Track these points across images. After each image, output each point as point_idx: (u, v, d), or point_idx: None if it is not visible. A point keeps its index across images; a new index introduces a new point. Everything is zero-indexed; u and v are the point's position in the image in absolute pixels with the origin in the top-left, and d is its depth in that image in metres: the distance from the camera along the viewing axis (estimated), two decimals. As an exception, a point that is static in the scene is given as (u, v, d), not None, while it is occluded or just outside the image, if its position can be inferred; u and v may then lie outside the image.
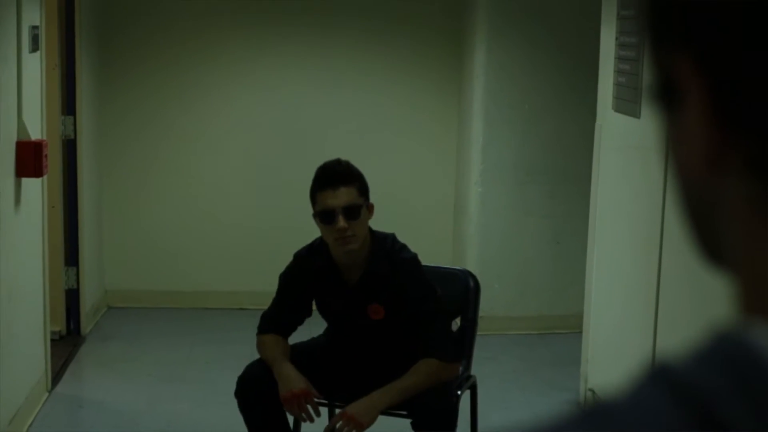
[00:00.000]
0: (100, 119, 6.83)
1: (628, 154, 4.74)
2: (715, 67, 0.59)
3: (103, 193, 6.92)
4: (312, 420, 3.77)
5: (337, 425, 3.69)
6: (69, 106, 6.17)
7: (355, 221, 3.73)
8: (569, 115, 6.41)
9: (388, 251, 3.84)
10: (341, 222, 3.70)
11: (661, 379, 0.56)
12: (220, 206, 7.02)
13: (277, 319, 3.95)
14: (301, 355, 3.91)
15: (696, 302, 3.95)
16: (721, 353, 0.56)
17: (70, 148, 6.21)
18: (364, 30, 6.92)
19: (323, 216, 3.75)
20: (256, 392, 3.83)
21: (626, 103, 4.66)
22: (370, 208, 3.84)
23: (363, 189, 3.82)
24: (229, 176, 6.99)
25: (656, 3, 0.63)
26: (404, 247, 3.89)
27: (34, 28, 5.11)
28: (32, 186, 5.10)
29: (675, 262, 4.18)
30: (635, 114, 4.53)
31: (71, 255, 6.27)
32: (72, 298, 6.30)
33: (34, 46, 5.11)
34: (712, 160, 0.60)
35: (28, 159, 4.93)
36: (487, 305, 5.68)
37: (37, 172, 4.99)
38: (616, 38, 4.78)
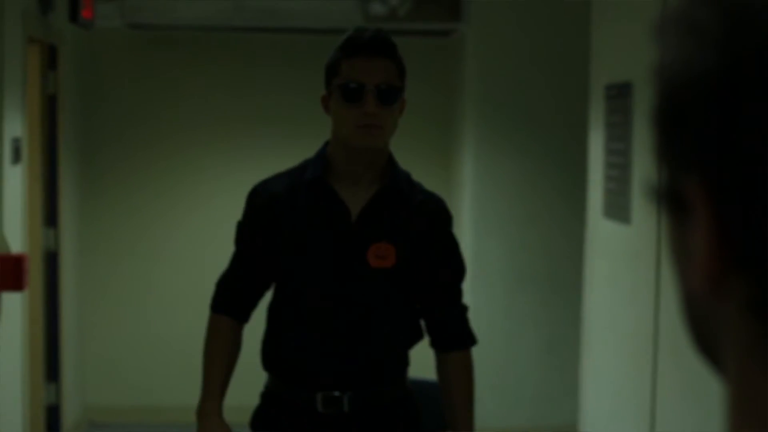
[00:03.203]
0: (84, 234, 6.76)
1: (618, 260, 4.66)
2: (723, 195, 0.57)
3: (85, 307, 6.81)
4: None
5: None
6: (51, 218, 6.09)
7: (388, 108, 2.73)
8: (558, 223, 6.36)
9: (408, 176, 2.89)
10: (371, 104, 2.70)
11: None
12: (203, 321, 6.90)
13: (236, 286, 2.97)
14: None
15: (693, 412, 3.84)
16: None
17: (51, 261, 6.11)
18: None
19: (348, 92, 2.72)
20: None
21: (616, 210, 4.60)
22: (403, 105, 2.82)
23: (402, 72, 2.80)
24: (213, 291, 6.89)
25: (670, 117, 0.60)
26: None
27: (16, 140, 5.05)
28: (12, 300, 4.99)
29: (670, 373, 4.07)
30: (626, 220, 4.47)
31: (52, 370, 6.13)
32: (52, 414, 6.14)
33: (16, 158, 5.05)
34: (713, 285, 0.58)
35: (8, 273, 4.83)
36: (480, 417, 5.54)
37: (18, 286, 4.88)
38: (605, 144, 4.74)
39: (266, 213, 2.86)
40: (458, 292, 2.95)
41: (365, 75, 2.72)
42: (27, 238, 5.27)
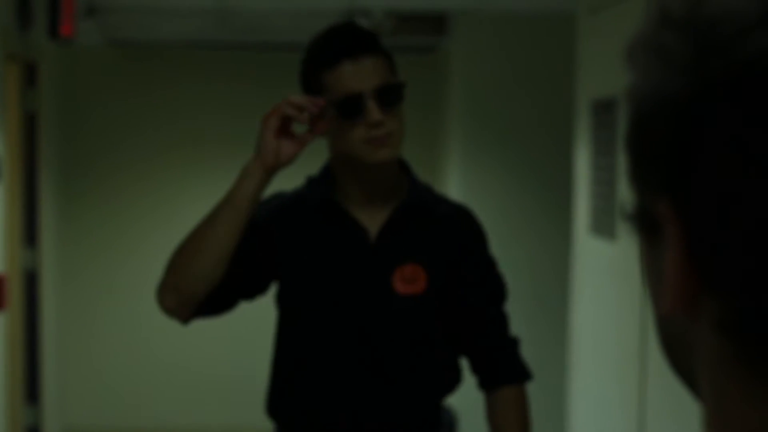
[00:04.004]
0: (65, 253, 6.69)
1: (605, 277, 4.62)
2: (691, 217, 0.57)
3: (66, 328, 6.74)
4: (313, 111, 2.29)
5: None
6: (31, 237, 6.02)
7: (394, 111, 2.33)
8: (543, 240, 6.32)
9: (429, 187, 2.54)
10: (375, 112, 2.30)
11: None
12: (188, 341, 6.84)
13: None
14: None
15: (680, 430, 3.81)
16: None
17: (31, 281, 6.04)
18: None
19: (345, 107, 2.31)
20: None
21: (602, 226, 4.56)
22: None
23: (393, 64, 2.39)
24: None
25: (641, 140, 0.61)
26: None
27: (-5, 158, 4.99)
28: (-9, 321, 4.93)
29: (657, 391, 4.04)
30: (612, 237, 4.43)
31: (32, 392, 6.05)
32: (33, 437, 6.07)
33: (-5, 177, 4.99)
34: (683, 305, 0.59)
35: (-13, 293, 4.77)
36: (465, 437, 5.49)
37: (-4, 306, 4.83)
38: (591, 160, 4.71)
39: (264, 232, 2.42)
40: (500, 319, 2.56)
41: (358, 81, 2.31)
42: (6, 258, 5.20)
